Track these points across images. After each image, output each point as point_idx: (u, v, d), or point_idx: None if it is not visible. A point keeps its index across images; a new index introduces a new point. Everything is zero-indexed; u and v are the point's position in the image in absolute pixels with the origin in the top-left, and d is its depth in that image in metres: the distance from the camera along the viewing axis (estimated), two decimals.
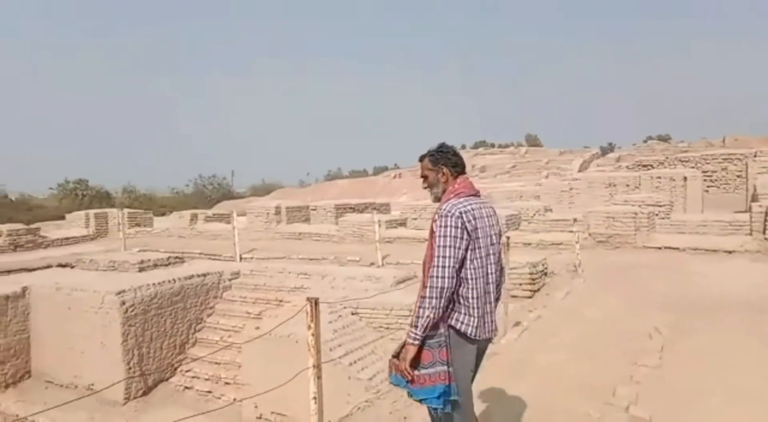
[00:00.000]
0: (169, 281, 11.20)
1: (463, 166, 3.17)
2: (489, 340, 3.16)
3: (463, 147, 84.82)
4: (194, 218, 18.85)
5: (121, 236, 16.18)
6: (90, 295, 10.54)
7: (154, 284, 10.88)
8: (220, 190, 60.23)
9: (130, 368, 10.29)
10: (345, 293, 10.31)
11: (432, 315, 2.86)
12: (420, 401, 2.99)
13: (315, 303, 3.55)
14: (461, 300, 2.95)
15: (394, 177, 70.01)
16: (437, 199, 3.14)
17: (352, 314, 9.77)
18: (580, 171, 47.08)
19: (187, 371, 11.16)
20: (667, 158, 25.69)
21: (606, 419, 4.07)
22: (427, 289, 2.90)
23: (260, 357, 9.25)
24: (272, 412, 9.14)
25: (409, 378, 2.92)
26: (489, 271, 3.05)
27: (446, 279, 2.86)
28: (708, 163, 23.87)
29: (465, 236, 2.90)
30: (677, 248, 11.74)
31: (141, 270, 12.61)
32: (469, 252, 2.93)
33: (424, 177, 3.17)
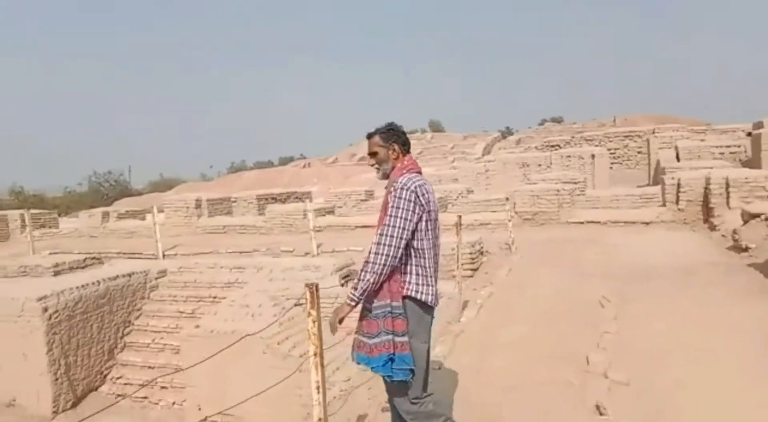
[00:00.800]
0: (94, 283, 10.52)
1: (410, 145, 3.26)
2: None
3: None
4: (106, 216, 17.82)
5: (28, 239, 15.04)
6: (7, 303, 9.73)
7: (77, 287, 10.19)
8: (117, 186, 57.67)
9: (57, 379, 9.61)
10: (286, 284, 10.09)
11: (373, 280, 2.97)
12: (372, 369, 3.13)
13: (315, 289, 3.42)
14: (419, 271, 3.08)
15: (303, 166, 69.45)
16: (385, 176, 3.20)
17: (296, 305, 9.56)
18: (483, 154, 48.50)
19: (118, 378, 10.56)
20: (573, 137, 26.90)
21: (589, 385, 4.19)
22: (373, 255, 2.99)
23: (202, 357, 8.90)
24: (219, 413, 8.83)
25: (334, 331, 3.18)
26: (436, 243, 3.25)
27: (394, 248, 2.95)
28: (611, 141, 25.21)
29: (418, 210, 2.99)
30: (599, 222, 12.32)
31: (56, 274, 11.84)
32: (424, 223, 3.04)
33: (374, 153, 3.23)
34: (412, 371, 3.01)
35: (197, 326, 9.08)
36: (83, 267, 13.15)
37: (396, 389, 3.15)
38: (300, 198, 21.67)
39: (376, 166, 3.23)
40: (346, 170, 58.51)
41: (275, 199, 20.25)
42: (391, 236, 2.96)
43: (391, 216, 2.97)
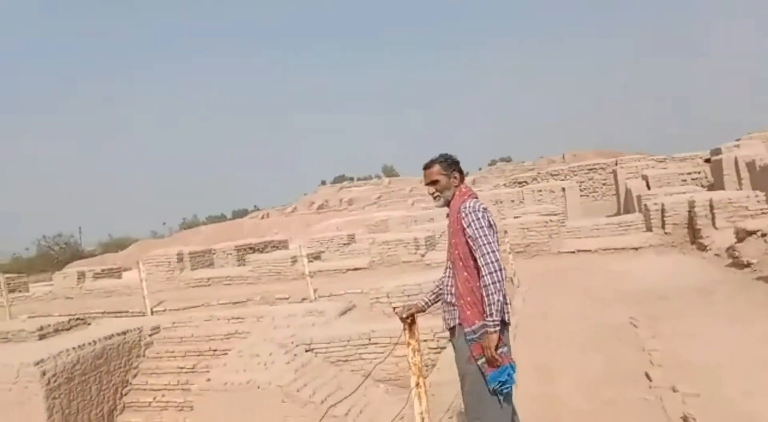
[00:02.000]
0: (90, 343, 10.15)
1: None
2: None
3: (324, 183, 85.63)
4: (82, 276, 17.23)
5: (5, 303, 14.40)
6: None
7: (74, 348, 9.81)
8: (68, 249, 56.01)
9: None
10: (291, 331, 9.91)
11: (501, 298, 3.02)
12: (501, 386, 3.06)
13: (412, 321, 3.42)
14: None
15: (262, 217, 69.06)
16: (446, 203, 3.32)
17: (306, 351, 9.40)
18: None
19: None
20: (539, 174, 27.61)
21: (664, 399, 4.24)
22: (488, 276, 3.01)
23: (216, 411, 8.62)
24: None
25: (500, 361, 3.02)
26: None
27: (500, 263, 3.06)
28: (575, 175, 25.98)
29: (494, 229, 3.14)
30: (589, 250, 12.59)
31: (41, 337, 11.35)
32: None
33: (434, 181, 3.32)
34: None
35: (209, 379, 8.80)
36: (68, 329, 12.67)
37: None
38: (277, 246, 21.48)
39: (437, 193, 3.34)
40: (307, 219, 58.32)
41: (253, 249, 20.02)
42: (493, 252, 3.05)
43: (480, 236, 3.06)
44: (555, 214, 15.92)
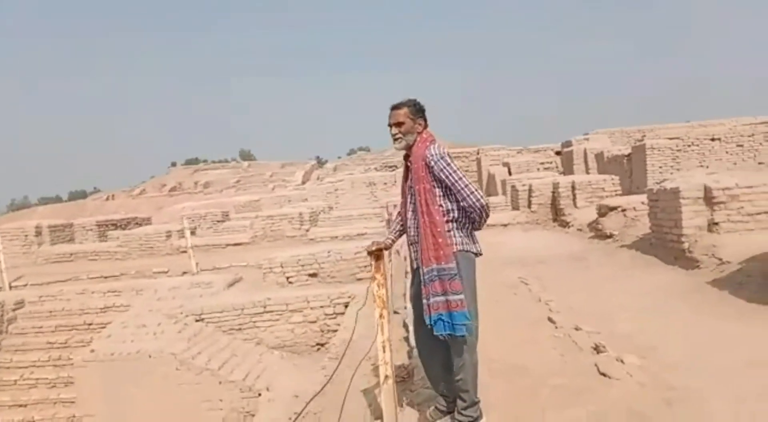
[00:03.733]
0: None
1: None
2: None
3: (174, 164, 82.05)
4: None
5: None
6: None
7: None
8: None
9: None
10: (178, 302, 9.62)
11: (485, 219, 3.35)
12: (451, 332, 3.21)
13: (378, 256, 3.56)
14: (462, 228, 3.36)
15: (107, 199, 65.02)
16: (407, 146, 3.42)
17: (197, 322, 9.19)
18: (303, 181, 49.19)
19: None
20: None
21: (571, 336, 4.78)
22: (484, 208, 3.27)
23: (102, 383, 8.20)
24: None
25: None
26: None
27: (483, 200, 3.29)
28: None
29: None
30: None
31: None
32: None
33: (399, 123, 3.38)
34: (467, 326, 3.21)
35: (93, 351, 8.36)
36: None
37: (457, 345, 3.31)
38: (140, 223, 20.42)
39: (400, 136, 3.39)
40: (158, 201, 55.65)
41: (116, 225, 18.91)
42: (475, 190, 3.25)
43: (458, 179, 3.24)
44: None
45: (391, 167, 27.24)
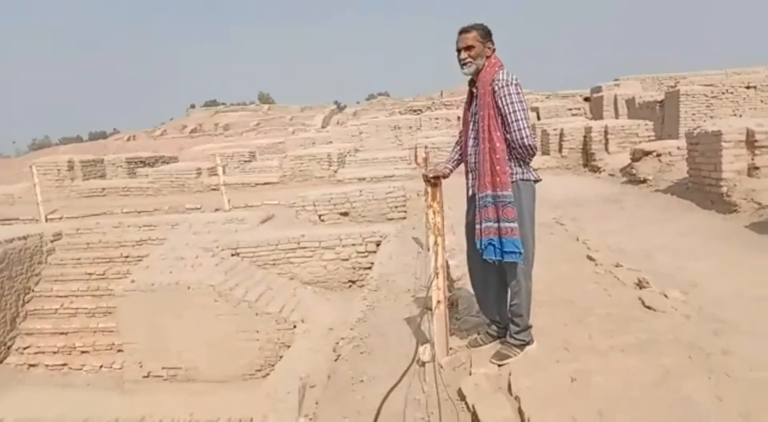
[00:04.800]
0: None
1: None
2: None
3: (193, 106, 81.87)
4: None
5: None
6: None
7: None
8: None
9: None
10: (213, 237, 9.82)
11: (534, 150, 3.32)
12: (500, 258, 3.29)
13: (435, 183, 3.60)
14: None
15: (128, 139, 65.32)
16: (476, 71, 3.36)
17: (232, 255, 9.39)
18: (323, 125, 48.92)
19: (25, 348, 9.67)
20: (434, 103, 28.26)
21: (613, 272, 4.84)
22: (527, 148, 3.25)
23: (142, 313, 8.48)
24: (163, 367, 8.50)
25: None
26: None
27: (533, 137, 3.28)
28: None
29: (524, 104, 3.29)
30: None
31: None
32: None
33: (469, 47, 3.31)
34: (521, 254, 3.27)
35: (133, 281, 8.60)
36: None
37: (513, 271, 3.38)
38: (167, 162, 20.59)
39: (469, 60, 3.33)
40: (179, 142, 55.81)
41: (144, 162, 19.11)
42: (527, 127, 3.21)
43: (516, 110, 3.20)
44: (454, 137, 16.59)
45: (415, 111, 27.01)
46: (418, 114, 25.84)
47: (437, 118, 22.26)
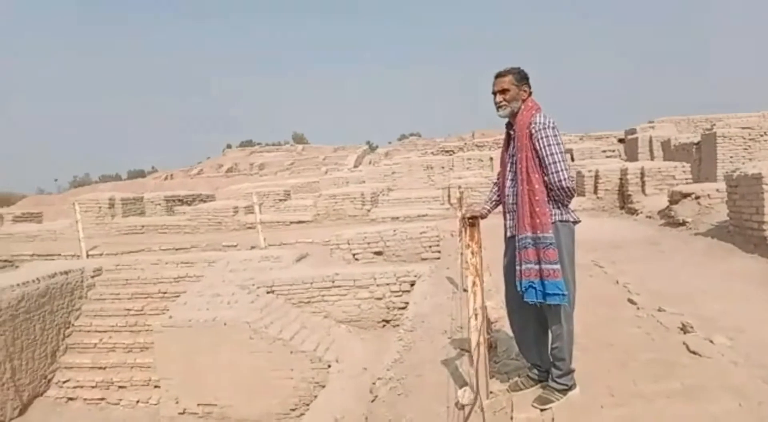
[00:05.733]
0: (34, 280, 9.75)
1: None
2: None
3: (229, 146, 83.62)
4: (0, 219, 16.19)
5: None
6: None
7: (19, 284, 9.40)
8: None
9: (3, 384, 8.81)
10: (249, 274, 9.93)
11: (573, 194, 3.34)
12: (542, 301, 3.27)
13: (472, 223, 3.64)
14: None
15: (165, 178, 66.78)
16: (512, 114, 3.43)
17: (268, 293, 9.47)
18: (355, 165, 49.44)
19: (65, 381, 9.82)
20: (466, 144, 28.45)
21: (655, 316, 4.76)
22: (566, 190, 3.28)
23: (178, 349, 8.57)
24: (199, 404, 8.53)
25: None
26: None
27: (571, 179, 3.32)
28: (500, 147, 26.99)
29: (561, 147, 3.34)
30: None
31: None
32: None
33: (504, 91, 3.39)
34: (564, 295, 3.25)
35: (171, 317, 8.72)
36: None
37: (554, 314, 3.36)
38: (204, 200, 21.00)
39: (504, 103, 3.40)
40: (214, 182, 56.86)
41: (182, 201, 19.53)
42: (565, 169, 3.26)
43: (553, 153, 3.26)
44: (489, 178, 16.61)
45: (447, 152, 27.18)
46: (451, 154, 25.99)
47: (470, 159, 22.35)
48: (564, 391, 3.36)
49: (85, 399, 9.50)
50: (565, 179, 3.24)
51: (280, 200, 18.33)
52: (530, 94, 3.45)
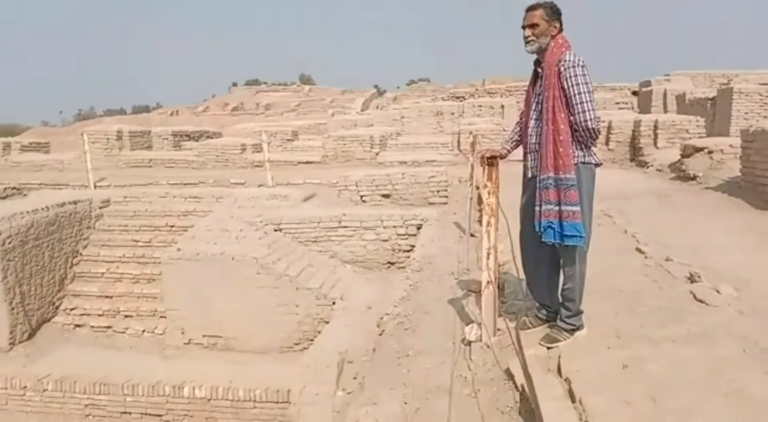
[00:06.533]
0: (44, 208, 9.81)
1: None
2: None
3: (235, 84, 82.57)
4: (7, 147, 16.18)
5: None
6: None
7: (28, 212, 9.46)
8: None
9: (13, 308, 8.97)
10: (257, 211, 9.96)
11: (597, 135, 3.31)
12: (560, 242, 3.26)
13: (491, 163, 3.62)
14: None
15: (171, 114, 66.23)
16: (539, 49, 3.34)
17: (275, 231, 9.53)
18: (362, 109, 48.89)
19: (72, 308, 10.00)
20: (477, 90, 28.05)
21: (663, 265, 4.79)
22: (591, 131, 3.22)
23: (185, 281, 8.68)
24: (204, 335, 8.71)
25: None
26: None
27: (597, 120, 3.25)
28: (512, 94, 26.58)
29: (590, 86, 3.24)
30: None
31: None
32: None
33: (534, 25, 3.29)
34: (582, 237, 3.25)
35: (179, 249, 8.80)
36: (3, 198, 12.13)
37: (569, 255, 3.37)
38: (211, 137, 20.89)
39: (533, 38, 3.30)
40: (220, 119, 56.37)
41: (189, 136, 19.45)
42: (592, 110, 3.18)
43: (582, 92, 3.16)
44: (497, 125, 16.43)
45: (458, 98, 26.82)
46: (461, 101, 25.64)
47: (480, 106, 22.05)
48: (572, 331, 3.40)
49: (92, 327, 9.69)
50: (591, 120, 3.18)
51: (288, 140, 18.22)
52: (561, 30, 3.33)
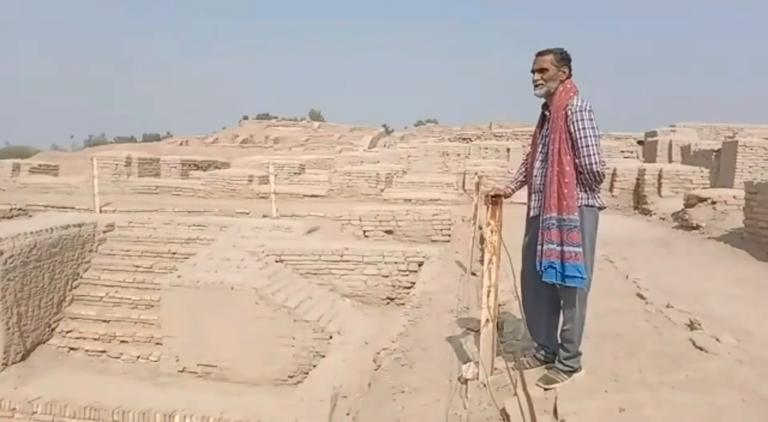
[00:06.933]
0: (47, 230, 9.84)
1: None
2: None
3: (246, 118, 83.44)
4: (17, 169, 16.32)
5: None
6: None
7: (32, 233, 9.49)
8: None
9: (8, 328, 8.94)
10: (260, 242, 9.98)
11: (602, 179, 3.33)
12: (560, 282, 3.26)
13: (495, 202, 3.65)
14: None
15: (180, 144, 66.69)
16: (548, 93, 3.41)
17: (277, 261, 9.53)
18: (370, 146, 49.29)
19: (68, 331, 9.95)
20: (483, 133, 28.33)
21: (664, 312, 4.76)
22: (596, 174, 3.26)
23: (183, 308, 8.66)
24: (199, 364, 8.63)
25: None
26: None
27: (601, 156, 3.26)
28: (517, 138, 26.85)
29: (597, 131, 3.30)
30: None
31: None
32: None
33: (543, 69, 3.37)
34: (583, 279, 3.24)
35: (179, 276, 8.80)
36: (9, 218, 12.18)
37: (570, 296, 3.36)
38: (219, 167, 21.07)
39: (541, 82, 3.39)
40: (229, 151, 56.82)
41: (197, 166, 19.61)
42: (598, 154, 3.23)
43: (588, 136, 3.22)
44: (503, 167, 16.55)
45: (465, 139, 27.09)
46: (468, 142, 25.89)
47: (486, 148, 22.28)
48: (569, 373, 3.38)
49: (86, 351, 9.63)
50: (596, 163, 3.22)
51: (295, 173, 18.36)
52: (570, 76, 3.42)
